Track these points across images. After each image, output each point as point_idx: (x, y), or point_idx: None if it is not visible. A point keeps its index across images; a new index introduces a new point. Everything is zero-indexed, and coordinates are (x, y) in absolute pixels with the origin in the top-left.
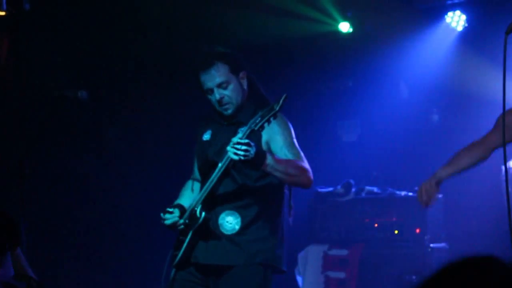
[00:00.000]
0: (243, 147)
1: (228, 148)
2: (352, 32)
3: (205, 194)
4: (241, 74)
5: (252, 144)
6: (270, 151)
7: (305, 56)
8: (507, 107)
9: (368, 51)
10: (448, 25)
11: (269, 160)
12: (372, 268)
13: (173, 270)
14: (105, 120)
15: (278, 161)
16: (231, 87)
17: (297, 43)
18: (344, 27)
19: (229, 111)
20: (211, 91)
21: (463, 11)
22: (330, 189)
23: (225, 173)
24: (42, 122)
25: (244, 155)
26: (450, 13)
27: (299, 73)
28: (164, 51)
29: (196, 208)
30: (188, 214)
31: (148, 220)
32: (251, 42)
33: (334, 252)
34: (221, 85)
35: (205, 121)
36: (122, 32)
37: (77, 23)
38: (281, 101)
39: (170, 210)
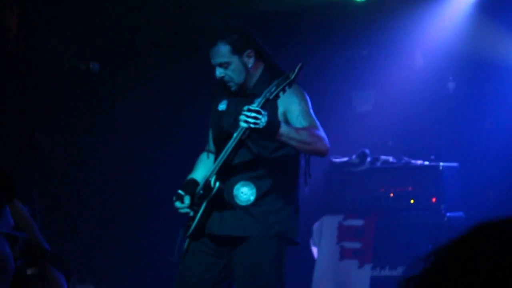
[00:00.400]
0: (253, 114)
1: (240, 116)
2: (366, 0)
3: (219, 165)
4: (246, 53)
5: (263, 112)
6: (287, 121)
7: (319, 25)
8: None
9: (383, 19)
10: None
11: (283, 129)
12: (388, 238)
13: (187, 241)
14: (117, 93)
15: (293, 129)
16: (232, 67)
17: (311, 12)
18: None
19: (233, 88)
20: (214, 67)
21: None
22: (345, 159)
23: (240, 144)
24: (53, 94)
25: (254, 123)
26: None
27: (312, 43)
28: (177, 24)
29: (210, 179)
30: (203, 185)
31: (159, 194)
32: (263, 11)
33: (350, 222)
34: (222, 65)
35: (221, 91)
36: (135, 4)
37: None
38: (296, 70)
39: (182, 193)
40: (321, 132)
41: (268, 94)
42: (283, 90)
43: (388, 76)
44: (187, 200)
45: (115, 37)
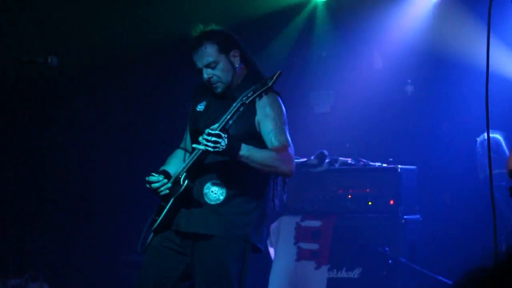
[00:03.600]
0: (213, 138)
1: (200, 138)
2: (326, 0)
3: (190, 163)
4: (232, 53)
5: (223, 135)
6: (259, 131)
7: (278, 25)
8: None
9: (342, 19)
10: None
11: (242, 152)
12: (345, 240)
13: (151, 235)
14: (74, 87)
15: (255, 153)
16: (220, 66)
17: (269, 12)
18: None
19: (219, 90)
20: (200, 71)
21: None
22: (303, 159)
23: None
24: (9, 88)
25: (213, 147)
26: None
27: (271, 43)
28: (138, 17)
29: (180, 176)
30: (173, 181)
31: (118, 191)
32: (225, 14)
33: (307, 223)
34: (210, 65)
35: (201, 91)
36: None
37: None
38: (274, 77)
39: (155, 175)
40: (288, 153)
41: (244, 99)
42: (260, 96)
43: (347, 78)
44: (161, 177)
45: (74, 29)
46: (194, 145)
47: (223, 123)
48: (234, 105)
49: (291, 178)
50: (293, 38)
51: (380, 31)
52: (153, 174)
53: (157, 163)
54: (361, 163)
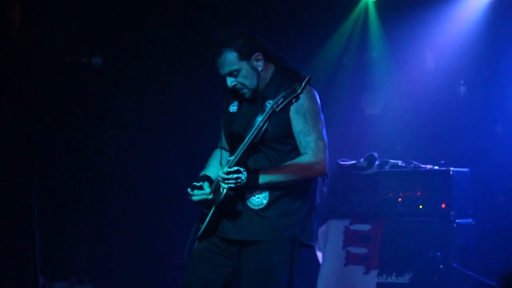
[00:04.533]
0: (234, 176)
1: (219, 178)
2: (376, 0)
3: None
4: (254, 57)
5: (241, 169)
6: (290, 127)
7: (329, 25)
8: None
9: (393, 19)
10: None
11: (261, 180)
12: (395, 244)
13: (197, 242)
14: (120, 89)
15: (275, 175)
16: (242, 73)
17: (320, 13)
18: None
19: (247, 95)
20: (224, 77)
21: None
22: (353, 162)
23: (254, 148)
24: (54, 89)
25: (235, 183)
26: None
27: (322, 44)
28: (181, 22)
29: (221, 182)
30: (214, 188)
31: (162, 195)
32: (272, 11)
33: (356, 227)
34: (232, 73)
35: (233, 91)
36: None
37: None
38: (303, 84)
39: (198, 184)
40: (316, 156)
41: (275, 106)
42: (290, 103)
43: (398, 79)
44: (206, 187)
45: (120, 31)
46: (222, 185)
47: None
48: (264, 114)
49: (341, 181)
50: (344, 38)
51: (431, 31)
52: (195, 183)
53: (203, 166)
54: (412, 165)
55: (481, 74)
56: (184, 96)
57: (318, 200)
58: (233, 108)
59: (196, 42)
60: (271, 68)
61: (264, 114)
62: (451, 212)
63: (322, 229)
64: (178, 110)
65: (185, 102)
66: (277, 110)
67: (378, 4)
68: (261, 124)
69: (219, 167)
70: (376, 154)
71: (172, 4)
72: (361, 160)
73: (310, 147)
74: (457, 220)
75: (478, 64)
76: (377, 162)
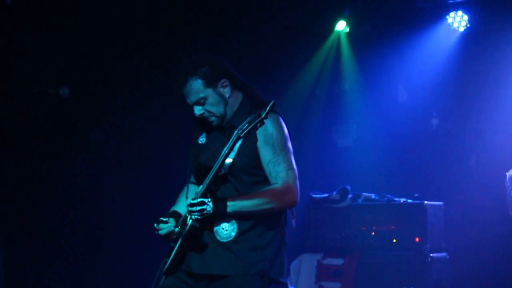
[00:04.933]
0: (198, 208)
1: (187, 214)
2: (349, 31)
3: None
4: (220, 83)
5: (206, 200)
6: (258, 158)
7: (300, 57)
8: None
9: (365, 51)
10: (450, 25)
11: (230, 208)
12: (368, 279)
13: (163, 278)
14: (88, 120)
15: (244, 205)
16: (209, 101)
17: (292, 44)
18: (341, 26)
19: (214, 124)
20: (191, 107)
21: (465, 11)
22: (325, 195)
23: (223, 179)
24: (20, 120)
25: (201, 215)
26: (452, 13)
27: (294, 75)
28: (151, 48)
29: (187, 215)
30: (181, 222)
31: (133, 227)
32: (245, 42)
33: (329, 261)
34: (198, 101)
35: (200, 122)
36: (109, 28)
37: (62, 18)
38: (267, 108)
39: (164, 219)
40: (286, 187)
41: (240, 132)
42: (255, 128)
43: (370, 111)
44: (171, 221)
45: (87, 61)
46: (189, 217)
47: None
48: (230, 141)
49: (313, 214)
50: (316, 69)
51: (404, 64)
52: (161, 218)
53: (174, 199)
54: (385, 198)
55: (454, 107)
56: (156, 128)
57: (287, 235)
58: (202, 139)
59: (168, 71)
60: (239, 96)
61: (230, 141)
62: (425, 245)
63: (294, 264)
64: (149, 141)
65: (157, 134)
66: (241, 135)
67: (350, 36)
68: (226, 151)
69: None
70: (349, 187)
71: (145, 34)
72: (334, 193)
73: (280, 176)
74: (431, 254)
75: (451, 97)
76: (350, 195)
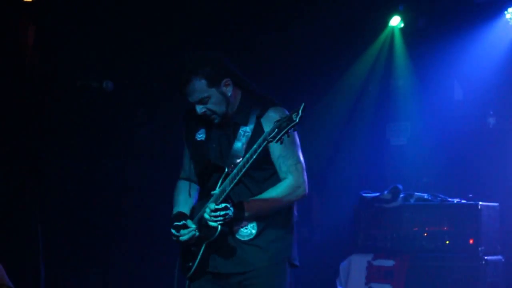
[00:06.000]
0: (222, 213)
1: (206, 215)
2: (403, 27)
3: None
4: (223, 83)
5: (229, 205)
6: (267, 153)
7: (352, 52)
8: None
9: (421, 48)
10: (508, 21)
11: (247, 213)
12: (420, 281)
13: (187, 282)
14: (131, 115)
15: (259, 206)
16: (212, 100)
17: (344, 39)
18: (395, 21)
19: (216, 121)
20: (193, 104)
21: None
22: (376, 194)
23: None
24: (63, 114)
25: (224, 220)
26: (510, 9)
27: (344, 71)
28: (202, 45)
29: (206, 218)
30: (197, 226)
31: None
32: (296, 37)
33: (379, 262)
34: (201, 100)
35: (195, 118)
36: (155, 22)
37: (109, 11)
38: (300, 112)
39: (180, 224)
40: (297, 180)
41: (269, 137)
42: (287, 133)
43: (425, 109)
44: (190, 224)
45: (132, 55)
46: (210, 223)
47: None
48: (255, 146)
49: (364, 214)
50: (368, 65)
51: (460, 60)
52: (176, 223)
53: None
54: (439, 198)
55: (511, 104)
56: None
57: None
58: (200, 136)
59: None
60: (238, 93)
61: (256, 145)
62: (479, 248)
63: (343, 264)
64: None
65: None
66: (274, 141)
67: (404, 31)
68: (254, 157)
69: (188, 200)
70: (401, 187)
71: (197, 29)
72: (385, 192)
73: (291, 171)
74: (486, 257)
75: (508, 95)
76: (401, 195)
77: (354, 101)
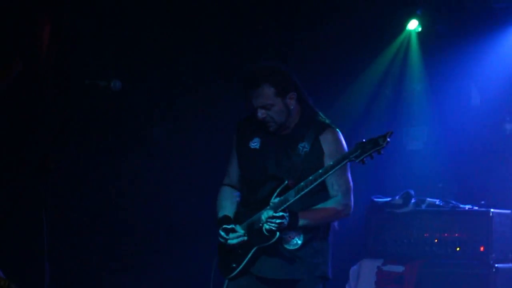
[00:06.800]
0: (278, 221)
1: (262, 216)
2: (421, 31)
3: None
4: (288, 95)
5: (285, 215)
6: (321, 164)
7: (369, 54)
8: None
9: (438, 53)
10: None
11: (300, 222)
12: (430, 287)
13: (226, 282)
14: (141, 114)
15: (310, 219)
16: (275, 109)
17: (360, 42)
18: (413, 25)
19: (271, 129)
20: (255, 108)
21: None
22: (388, 199)
23: (287, 189)
24: (71, 112)
25: (279, 228)
26: None
27: (362, 73)
28: (210, 46)
29: (261, 224)
30: (247, 230)
31: (195, 225)
32: (315, 37)
33: (389, 268)
34: (265, 106)
35: (250, 126)
36: (176, 28)
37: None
38: (387, 137)
39: (229, 227)
40: (345, 202)
41: (352, 157)
42: (371, 156)
43: (442, 113)
44: (239, 229)
45: (141, 55)
46: (267, 229)
47: (308, 187)
48: (332, 163)
49: (374, 219)
50: (384, 68)
51: (477, 64)
52: (225, 226)
53: None
54: (450, 205)
55: None
56: (217, 126)
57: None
58: (255, 144)
59: (228, 68)
60: (299, 109)
61: (335, 163)
62: (491, 255)
63: (353, 269)
64: (206, 138)
65: (218, 132)
66: (356, 161)
67: (422, 35)
68: (330, 172)
69: (232, 206)
70: (412, 192)
71: (212, 31)
72: (397, 197)
73: (342, 190)
74: (497, 265)
75: None
76: (413, 200)
77: (370, 104)
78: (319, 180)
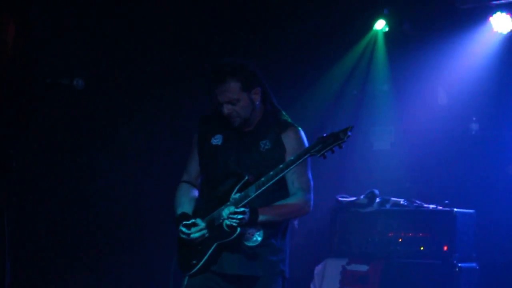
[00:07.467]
0: (240, 216)
1: (225, 216)
2: (387, 31)
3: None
4: (254, 91)
5: (246, 210)
6: (283, 160)
7: (335, 54)
8: None
9: (404, 53)
10: (493, 27)
11: (260, 218)
12: (394, 286)
13: (186, 278)
14: (105, 113)
15: (271, 214)
16: (241, 104)
17: (326, 42)
18: (380, 25)
19: (236, 124)
20: (221, 104)
21: (510, 13)
22: (353, 198)
23: (246, 185)
24: (34, 111)
25: (239, 223)
26: (495, 15)
27: (327, 73)
28: (176, 45)
29: (221, 220)
30: (207, 225)
31: (153, 224)
32: (281, 36)
33: (354, 267)
34: (231, 101)
35: (212, 123)
36: (134, 23)
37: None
38: (348, 132)
39: (189, 222)
40: (305, 199)
41: (313, 151)
42: (332, 150)
43: (408, 113)
44: (200, 223)
45: (105, 54)
46: (228, 225)
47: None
48: (293, 158)
49: (339, 218)
50: (350, 68)
51: (444, 66)
52: (186, 222)
53: None
54: (415, 204)
55: (495, 111)
56: (182, 124)
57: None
58: (216, 141)
59: (194, 67)
60: (262, 106)
61: (295, 158)
62: (454, 255)
63: (318, 268)
64: (176, 137)
65: (184, 130)
66: (318, 155)
67: (388, 35)
68: (292, 167)
69: (191, 202)
70: (377, 192)
71: (177, 30)
72: (361, 197)
73: (302, 187)
74: (460, 264)
75: (492, 101)
76: (377, 200)
77: (336, 104)
78: (280, 175)
